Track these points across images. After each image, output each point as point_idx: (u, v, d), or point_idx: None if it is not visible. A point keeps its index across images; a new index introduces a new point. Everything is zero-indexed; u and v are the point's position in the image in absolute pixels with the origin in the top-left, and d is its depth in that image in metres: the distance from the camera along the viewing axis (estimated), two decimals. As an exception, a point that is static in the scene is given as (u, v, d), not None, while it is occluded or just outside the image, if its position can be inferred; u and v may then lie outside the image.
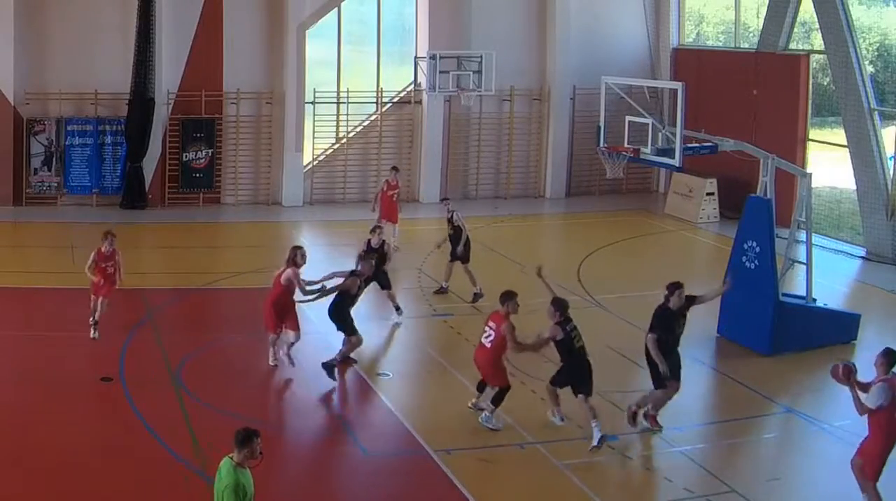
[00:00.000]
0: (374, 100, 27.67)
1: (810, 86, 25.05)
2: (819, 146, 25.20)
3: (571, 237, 25.45)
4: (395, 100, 27.81)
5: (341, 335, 14.81)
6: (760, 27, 26.20)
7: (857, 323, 16.41)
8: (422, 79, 25.93)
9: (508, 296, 12.69)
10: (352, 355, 14.92)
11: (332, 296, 14.47)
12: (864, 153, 22.67)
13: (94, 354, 14.75)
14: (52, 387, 13.62)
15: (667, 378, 12.29)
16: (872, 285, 20.69)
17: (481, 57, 25.12)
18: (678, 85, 18.10)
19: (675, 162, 16.50)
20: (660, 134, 16.94)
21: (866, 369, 10.83)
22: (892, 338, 11.70)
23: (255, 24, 26.53)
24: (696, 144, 16.72)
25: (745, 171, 21.30)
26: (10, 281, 18.49)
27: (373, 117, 27.77)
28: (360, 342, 14.40)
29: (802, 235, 16.81)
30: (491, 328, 12.70)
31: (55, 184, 25.56)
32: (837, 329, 16.32)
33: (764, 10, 25.94)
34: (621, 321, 17.39)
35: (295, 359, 14.43)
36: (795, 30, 25.47)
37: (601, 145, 17.88)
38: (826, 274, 19.71)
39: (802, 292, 16.56)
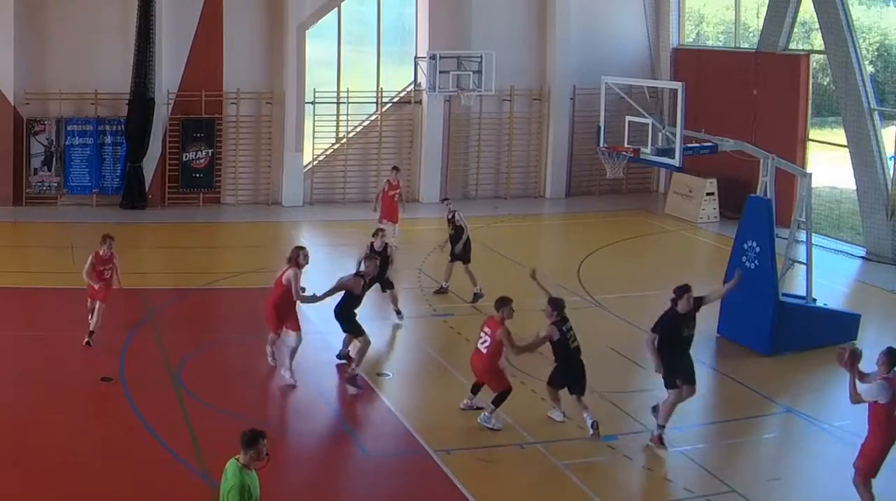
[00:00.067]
0: (374, 100, 27.68)
1: (810, 86, 25.05)
2: (819, 146, 25.20)
3: (571, 237, 25.45)
4: (395, 100, 27.82)
5: (340, 335, 14.82)
6: (760, 27, 26.21)
7: (857, 323, 16.41)
8: (422, 79, 25.93)
9: (503, 303, 12.74)
10: (352, 354, 14.92)
11: (337, 298, 14.39)
12: (864, 153, 22.67)
13: (94, 354, 14.75)
14: (52, 387, 13.62)
15: (668, 382, 12.17)
16: (872, 285, 20.69)
17: (481, 57, 25.12)
18: (678, 85, 18.11)
19: (675, 162, 16.50)
20: (660, 134, 16.94)
21: (869, 366, 10.82)
22: (892, 338, 11.71)
23: (255, 24, 26.53)
24: (696, 144, 16.72)
25: (745, 171, 21.30)
26: (10, 281, 18.49)
27: (373, 117, 27.77)
28: (368, 343, 14.25)
29: (802, 235, 16.81)
30: (486, 334, 12.75)
31: (55, 184, 25.57)
32: (837, 329, 16.31)
33: (764, 10, 25.94)
34: (621, 321, 17.40)
35: (276, 359, 14.38)
36: (795, 30, 25.47)
37: (601, 145, 17.88)
38: (826, 274, 19.71)
39: (802, 292, 16.57)
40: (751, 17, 27.89)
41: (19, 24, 24.72)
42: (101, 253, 15.03)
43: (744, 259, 16.05)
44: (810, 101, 25.07)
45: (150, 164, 25.84)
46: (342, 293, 14.38)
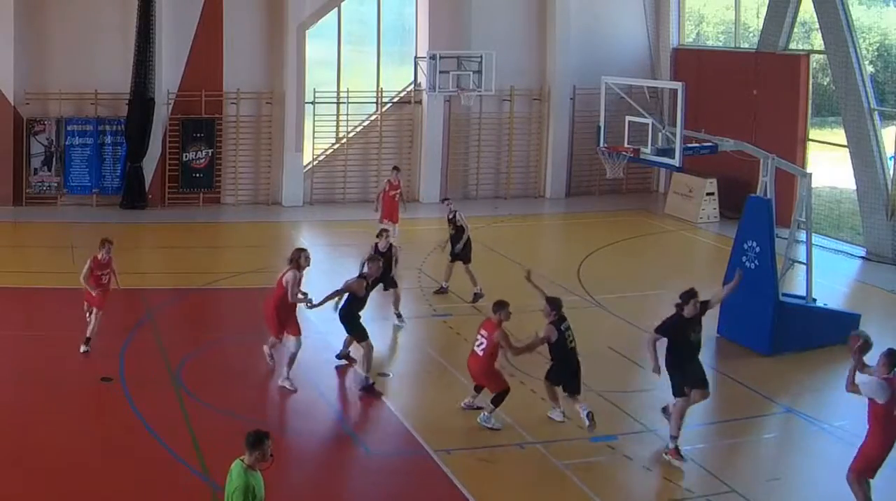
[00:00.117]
0: (374, 100, 27.68)
1: (810, 86, 25.05)
2: (819, 146, 25.20)
3: (571, 237, 25.46)
4: (395, 100, 27.82)
5: (340, 336, 14.81)
6: (760, 27, 26.21)
7: (857, 323, 16.36)
8: (422, 79, 25.94)
9: (501, 306, 12.76)
10: (352, 354, 14.92)
11: (341, 301, 14.34)
12: (864, 153, 22.67)
13: (94, 354, 14.74)
14: (52, 387, 13.62)
15: (676, 390, 12.01)
16: (872, 285, 20.69)
17: (481, 57, 25.12)
18: (678, 85, 18.11)
19: (675, 162, 16.50)
20: (660, 134, 16.94)
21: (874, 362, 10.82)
22: (892, 338, 11.70)
23: (255, 24, 26.54)
24: (696, 144, 16.72)
25: (745, 171, 21.30)
26: (10, 281, 18.50)
27: (373, 117, 27.77)
28: (371, 347, 14.16)
29: (802, 235, 16.81)
30: (483, 336, 12.77)
31: (55, 184, 25.57)
32: (837, 329, 16.22)
33: (764, 10, 25.95)
34: (621, 321, 17.41)
35: (275, 360, 14.33)
36: (795, 30, 25.47)
37: (601, 145, 17.88)
38: (826, 274, 19.71)
39: (802, 292, 16.57)
40: (751, 17, 27.89)
41: (19, 24, 24.72)
42: (99, 257, 14.87)
43: (744, 259, 16.05)
44: (810, 101, 25.07)
45: (150, 164, 25.84)
46: (345, 295, 14.33)
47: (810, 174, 17.17)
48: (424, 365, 15.61)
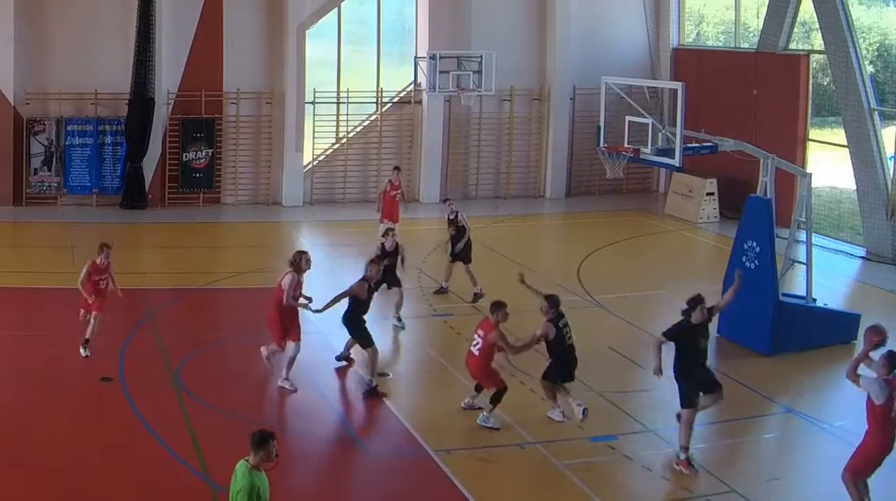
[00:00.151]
0: (374, 100, 27.68)
1: (810, 86, 25.05)
2: (819, 146, 25.20)
3: (571, 237, 25.46)
4: (395, 100, 27.82)
5: (340, 336, 14.79)
6: (760, 27, 26.21)
7: (857, 323, 16.38)
8: (422, 79, 25.93)
9: (498, 306, 12.79)
10: (352, 355, 14.91)
11: (344, 304, 14.23)
12: (864, 153, 22.68)
13: (94, 354, 14.73)
14: (52, 387, 13.62)
15: (687, 400, 11.86)
16: (872, 285, 20.69)
17: (481, 57, 25.12)
18: (678, 85, 18.11)
19: (675, 162, 16.49)
20: (660, 134, 16.94)
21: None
22: (892, 339, 11.67)
23: (255, 24, 26.54)
24: (696, 144, 16.72)
25: (745, 171, 21.30)
26: (10, 281, 18.50)
27: (373, 117, 27.77)
28: (376, 353, 14.11)
29: (802, 235, 16.81)
30: (479, 336, 12.81)
31: (55, 184, 25.57)
32: (837, 329, 16.31)
33: (764, 10, 25.95)
34: (621, 321, 17.41)
35: (272, 362, 14.24)
36: (795, 30, 25.47)
37: (601, 145, 17.88)
38: (826, 274, 19.71)
39: (802, 292, 16.57)
40: (751, 17, 27.89)
41: (19, 24, 24.72)
42: (97, 261, 14.73)
43: (744, 259, 16.05)
44: (810, 101, 25.07)
45: (150, 164, 25.84)
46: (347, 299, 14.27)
47: (810, 174, 17.17)
48: (424, 365, 15.61)
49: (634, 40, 29.12)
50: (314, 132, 27.31)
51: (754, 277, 15.69)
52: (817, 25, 24.03)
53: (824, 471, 11.85)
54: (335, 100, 27.38)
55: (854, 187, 23.24)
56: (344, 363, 14.92)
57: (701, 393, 11.96)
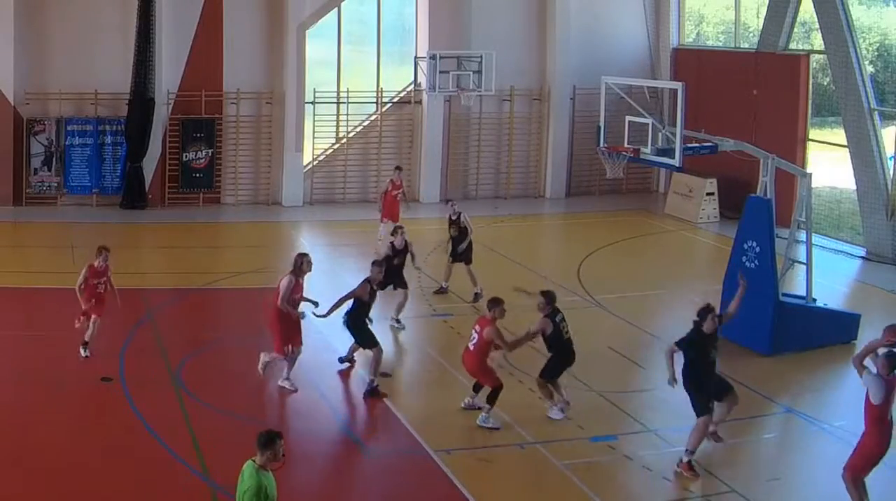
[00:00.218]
0: (374, 100, 27.68)
1: (810, 86, 25.05)
2: (819, 146, 25.19)
3: (571, 237, 25.46)
4: (395, 100, 27.82)
5: (340, 336, 14.78)
6: (760, 27, 26.21)
7: (857, 323, 16.41)
8: (422, 79, 25.93)
9: (495, 302, 12.83)
10: (355, 357, 14.88)
11: (347, 306, 14.19)
12: (864, 153, 22.67)
13: (94, 354, 14.73)
14: (52, 387, 13.61)
15: (701, 409, 11.78)
16: (872, 285, 20.69)
17: (481, 57, 25.11)
18: (678, 85, 18.11)
19: (675, 162, 16.49)
20: (660, 134, 16.94)
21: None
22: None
23: (255, 24, 26.54)
24: (696, 144, 16.72)
25: (745, 171, 21.30)
26: (10, 281, 18.50)
27: (373, 117, 27.77)
28: (381, 353, 14.04)
29: (802, 235, 16.81)
30: (476, 331, 12.84)
31: (55, 184, 25.57)
32: (837, 329, 16.31)
33: (764, 10, 25.94)
34: (621, 321, 17.41)
35: (268, 371, 14.14)
36: (795, 30, 25.47)
37: (601, 145, 17.88)
38: (826, 274, 19.71)
39: (802, 292, 16.56)
40: (751, 17, 27.89)
41: (19, 24, 24.72)
42: (96, 265, 14.62)
43: (744, 259, 16.05)
44: (810, 101, 25.07)
45: (150, 164, 25.84)
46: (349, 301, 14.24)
47: (810, 174, 17.17)
48: (424, 365, 15.61)
49: (634, 40, 29.12)
50: (314, 132, 27.30)
51: (754, 277, 15.65)
52: (817, 25, 24.03)
53: (824, 471, 11.85)
54: (335, 100, 27.38)
55: (854, 187, 23.24)
56: (347, 365, 14.86)
57: (715, 403, 11.92)
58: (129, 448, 11.92)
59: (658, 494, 11.49)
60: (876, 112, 22.62)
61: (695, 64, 27.92)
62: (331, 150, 27.68)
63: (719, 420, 12.22)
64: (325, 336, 15.37)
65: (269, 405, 13.90)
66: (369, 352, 14.11)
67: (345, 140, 27.68)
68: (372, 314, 14.44)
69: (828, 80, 24.81)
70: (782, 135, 24.18)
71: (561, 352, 12.96)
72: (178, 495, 10.97)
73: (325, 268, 18.24)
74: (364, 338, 14.17)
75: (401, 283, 16.74)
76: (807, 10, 24.81)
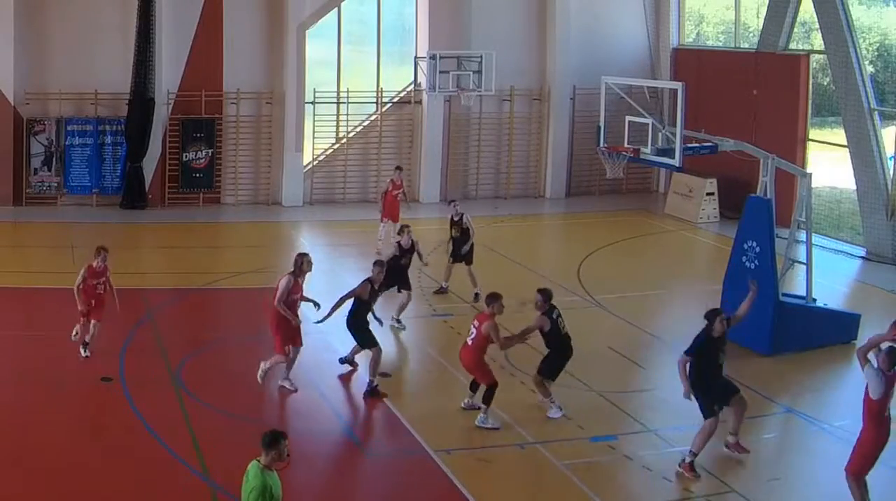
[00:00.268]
0: (374, 100, 27.68)
1: (810, 86, 25.05)
2: (819, 146, 25.19)
3: (571, 237, 25.46)
4: (395, 100, 27.82)
5: (340, 336, 14.77)
6: (760, 27, 26.20)
7: (857, 323, 16.40)
8: (422, 79, 25.93)
9: (494, 298, 12.85)
10: (356, 360, 14.86)
11: (348, 307, 14.17)
12: (864, 153, 22.67)
13: (94, 354, 14.73)
14: (52, 387, 13.61)
15: (707, 411, 11.75)
16: (872, 285, 20.69)
17: (481, 57, 25.11)
18: (678, 85, 18.11)
19: (675, 162, 16.49)
20: (660, 134, 16.94)
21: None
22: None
23: (255, 24, 26.53)
24: (696, 144, 16.72)
25: (745, 171, 21.30)
26: (10, 281, 18.49)
27: (373, 117, 27.77)
28: (380, 353, 14.02)
29: (802, 235, 16.81)
30: (474, 326, 12.87)
31: (55, 184, 25.56)
32: (837, 329, 16.31)
33: (764, 10, 25.94)
34: (621, 321, 17.40)
35: (266, 377, 14.01)
36: (795, 30, 25.47)
37: (601, 145, 17.88)
38: (826, 274, 19.71)
39: (802, 292, 16.56)
40: (751, 17, 27.89)
41: (19, 24, 24.72)
42: (94, 265, 14.56)
43: (744, 259, 16.05)
44: (810, 101, 25.07)
45: (150, 164, 25.84)
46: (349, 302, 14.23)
47: (810, 174, 17.16)
48: (424, 365, 15.61)
49: (634, 40, 29.12)
50: (314, 132, 27.30)
51: (754, 277, 15.65)
52: (817, 25, 24.03)
53: (824, 471, 11.86)
54: (335, 100, 27.37)
55: (854, 187, 23.24)
56: (348, 367, 14.84)
57: (723, 407, 11.89)
58: (129, 448, 11.92)
59: (658, 494, 11.48)
60: (876, 112, 22.62)
61: (695, 64, 27.91)
62: (331, 150, 27.68)
63: (735, 431, 12.17)
64: (325, 336, 15.36)
65: (269, 405, 13.89)
66: (370, 353, 14.11)
67: (345, 140, 27.67)
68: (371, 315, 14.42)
69: (828, 80, 24.81)
70: (782, 135, 24.17)
71: (559, 348, 13.04)
72: (178, 495, 10.97)
73: (325, 268, 18.24)
74: (363, 338, 14.18)
75: (405, 285, 16.73)
76: (807, 10, 24.81)
